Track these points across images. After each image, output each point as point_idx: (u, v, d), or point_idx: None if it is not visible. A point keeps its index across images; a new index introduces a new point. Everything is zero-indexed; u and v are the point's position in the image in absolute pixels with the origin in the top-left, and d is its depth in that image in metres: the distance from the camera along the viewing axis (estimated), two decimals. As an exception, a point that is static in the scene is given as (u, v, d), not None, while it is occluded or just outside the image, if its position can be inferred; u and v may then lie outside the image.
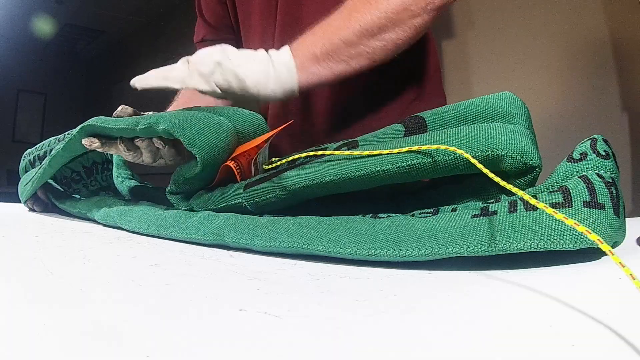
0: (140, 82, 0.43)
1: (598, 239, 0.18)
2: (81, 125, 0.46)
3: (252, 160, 0.43)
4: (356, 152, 0.32)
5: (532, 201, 0.22)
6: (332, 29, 0.50)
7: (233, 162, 0.41)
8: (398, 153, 0.30)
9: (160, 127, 0.40)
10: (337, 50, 0.50)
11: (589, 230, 0.19)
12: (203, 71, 0.44)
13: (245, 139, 0.45)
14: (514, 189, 0.24)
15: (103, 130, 0.45)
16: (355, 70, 0.52)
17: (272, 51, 0.49)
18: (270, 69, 0.48)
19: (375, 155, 0.31)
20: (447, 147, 0.28)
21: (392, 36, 0.51)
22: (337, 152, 0.34)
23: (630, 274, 0.16)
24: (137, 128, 0.42)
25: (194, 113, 0.42)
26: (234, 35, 0.76)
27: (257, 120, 0.46)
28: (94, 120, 0.44)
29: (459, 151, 0.28)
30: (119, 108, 0.48)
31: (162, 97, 0.61)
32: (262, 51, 0.49)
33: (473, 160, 0.27)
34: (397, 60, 0.63)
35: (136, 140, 0.44)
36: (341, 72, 0.51)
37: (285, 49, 0.50)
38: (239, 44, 0.76)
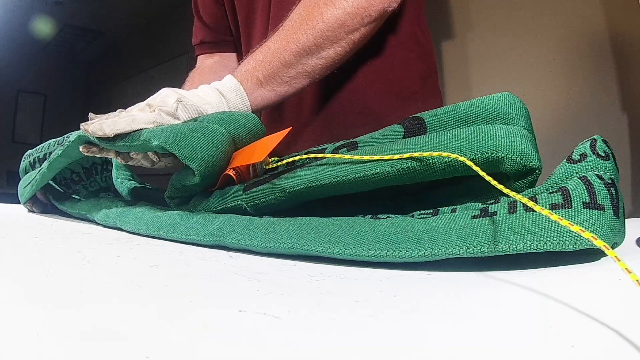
0: (110, 128, 0.42)
1: (604, 245, 0.18)
2: (78, 133, 0.46)
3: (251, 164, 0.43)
4: (356, 157, 0.32)
5: (530, 204, 0.22)
6: (272, 52, 0.51)
7: (233, 170, 0.41)
8: (398, 159, 0.30)
9: (154, 144, 0.40)
10: (278, 73, 0.51)
11: (595, 237, 0.18)
12: (169, 110, 0.44)
13: (242, 142, 0.45)
14: (512, 193, 0.24)
15: (98, 143, 0.44)
16: (298, 90, 0.53)
17: (214, 83, 0.50)
18: (222, 100, 0.49)
19: (375, 160, 0.31)
20: (448, 154, 0.28)
21: (330, 53, 0.52)
22: (337, 156, 0.34)
23: (637, 280, 0.15)
24: (132, 144, 0.42)
25: (187, 125, 0.42)
26: (232, 36, 0.76)
27: (252, 121, 0.46)
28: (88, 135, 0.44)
29: (461, 158, 0.28)
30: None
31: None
32: (205, 86, 0.50)
33: (475, 168, 0.27)
34: (393, 58, 0.63)
35: (131, 154, 0.45)
36: (285, 93, 0.53)
37: (229, 77, 0.51)
38: (237, 45, 0.76)
